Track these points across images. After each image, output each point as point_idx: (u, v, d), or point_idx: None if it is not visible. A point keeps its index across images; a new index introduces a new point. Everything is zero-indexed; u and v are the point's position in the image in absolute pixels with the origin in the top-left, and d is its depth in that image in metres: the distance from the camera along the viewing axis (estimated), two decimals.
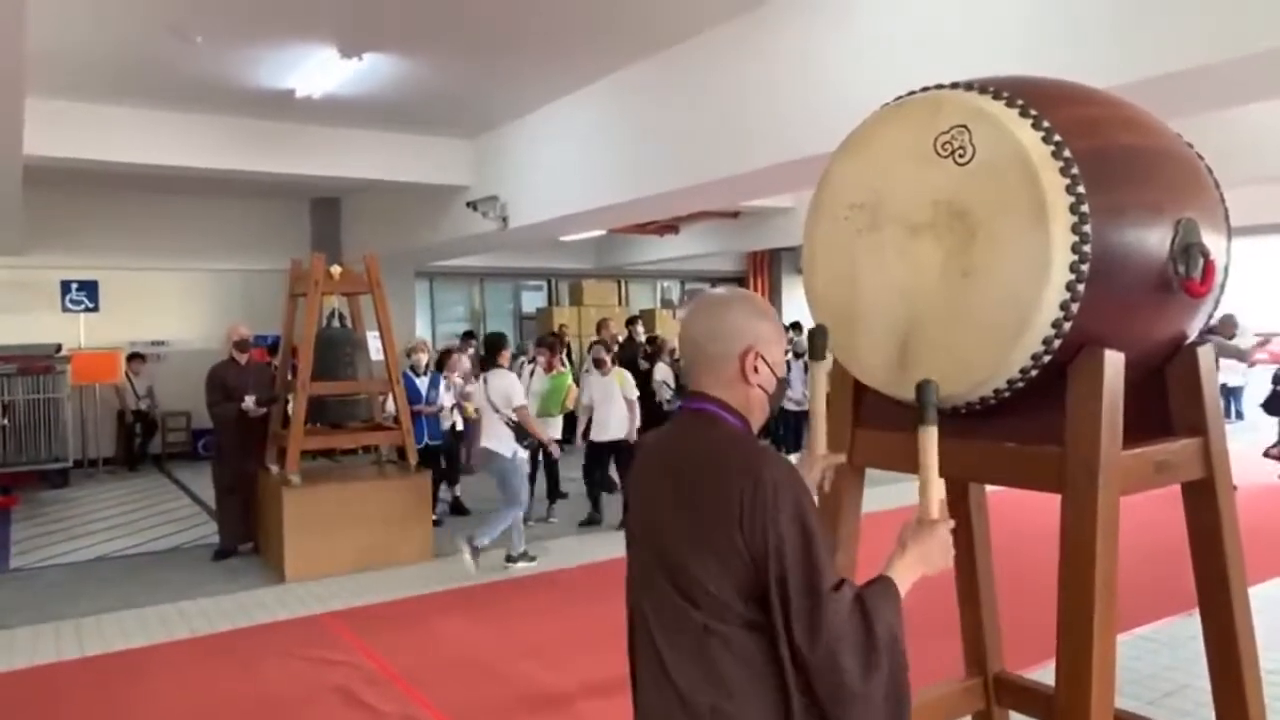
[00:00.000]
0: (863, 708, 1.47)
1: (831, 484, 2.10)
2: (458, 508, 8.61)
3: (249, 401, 6.93)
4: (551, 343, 8.86)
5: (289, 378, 7.15)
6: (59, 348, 10.97)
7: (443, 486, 8.50)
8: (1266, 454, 8.79)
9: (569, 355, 11.40)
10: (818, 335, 1.88)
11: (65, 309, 11.65)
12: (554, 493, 8.24)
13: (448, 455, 8.53)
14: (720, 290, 1.78)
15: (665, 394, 10.39)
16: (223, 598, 6.08)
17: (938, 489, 1.70)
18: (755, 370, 1.65)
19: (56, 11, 5.71)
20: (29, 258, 11.25)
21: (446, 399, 8.40)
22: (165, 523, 8.56)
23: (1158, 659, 4.56)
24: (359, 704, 4.33)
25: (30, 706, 4.43)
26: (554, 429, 8.17)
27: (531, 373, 8.28)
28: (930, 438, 1.70)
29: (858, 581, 1.58)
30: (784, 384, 1.74)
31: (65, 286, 11.68)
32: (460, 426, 8.58)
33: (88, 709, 4.41)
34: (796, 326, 11.81)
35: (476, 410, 7.76)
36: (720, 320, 1.67)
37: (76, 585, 6.47)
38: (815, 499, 2.06)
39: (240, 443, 7.07)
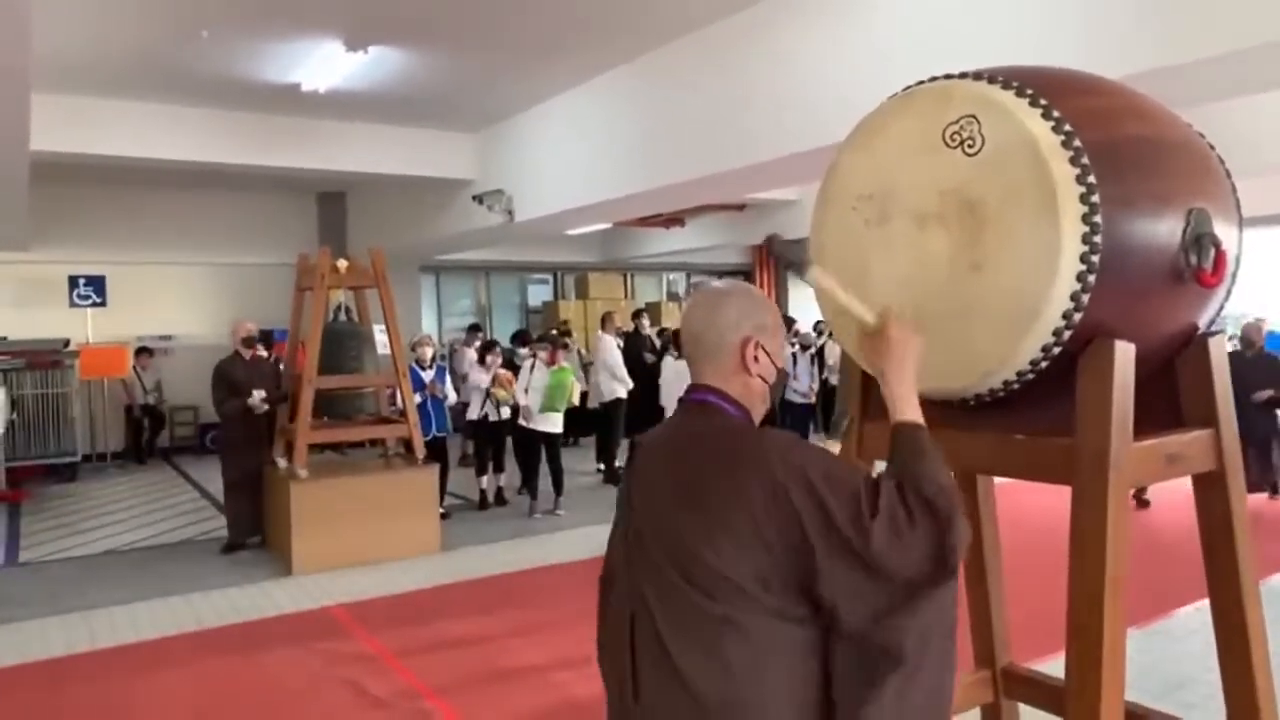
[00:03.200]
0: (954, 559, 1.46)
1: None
2: (500, 498, 8.65)
3: (256, 397, 6.94)
4: (553, 338, 8.85)
5: (294, 372, 7.17)
6: (67, 342, 11.01)
7: (485, 477, 8.62)
8: None
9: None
10: (786, 250, 1.89)
11: (73, 304, 11.68)
12: (559, 486, 8.25)
13: (495, 443, 8.55)
14: (719, 283, 1.76)
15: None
16: (231, 590, 6.11)
17: (856, 303, 1.73)
18: (755, 360, 1.65)
19: (63, 6, 5.72)
20: (37, 253, 11.29)
21: (451, 391, 8.44)
22: (173, 516, 8.59)
23: (1166, 651, 4.55)
24: (366, 696, 4.35)
25: (41, 698, 4.46)
26: (555, 424, 8.17)
27: (532, 367, 8.27)
28: (820, 275, 1.78)
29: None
30: (784, 374, 1.73)
31: (73, 282, 11.71)
32: (506, 415, 8.49)
33: (97, 701, 4.44)
34: (791, 320, 11.81)
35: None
36: (719, 312, 1.67)
37: (86, 578, 6.51)
38: None
39: (247, 437, 7.09)
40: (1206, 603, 2.21)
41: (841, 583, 1.47)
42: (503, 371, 8.46)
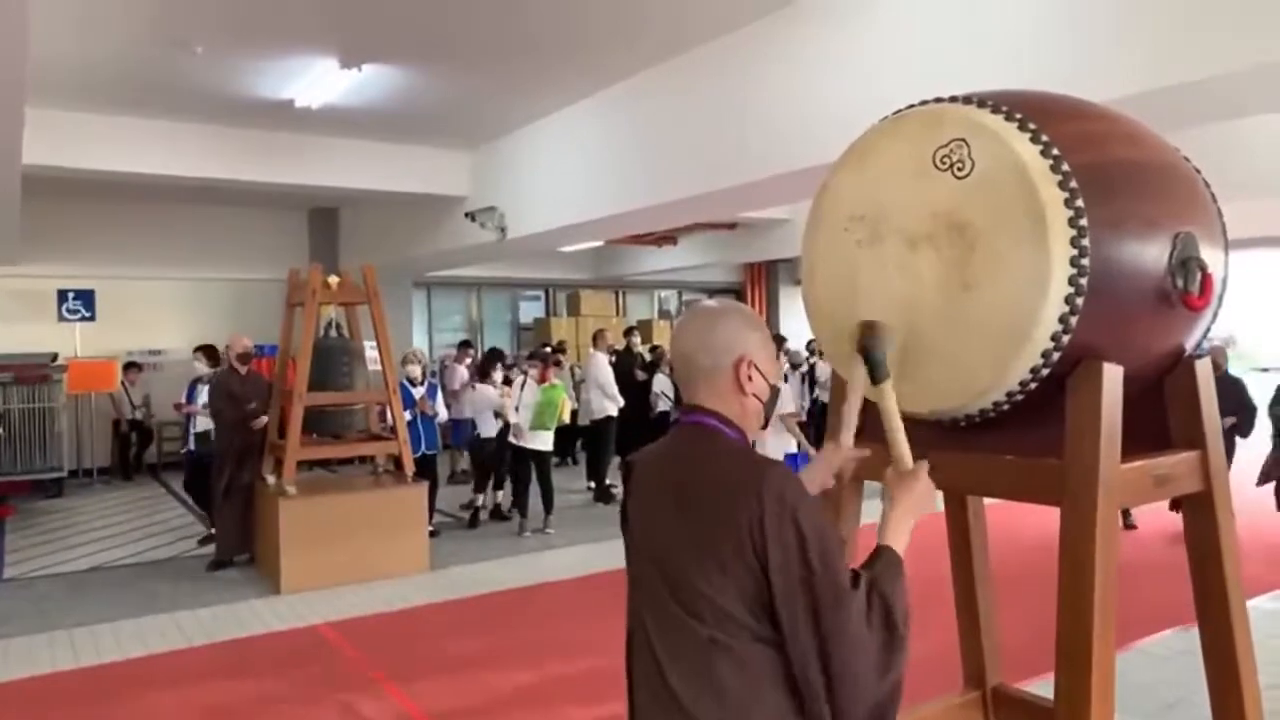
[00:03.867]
0: (874, 691, 1.51)
1: (848, 479, 2.14)
2: (497, 513, 8.66)
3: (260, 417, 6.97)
4: (544, 355, 8.84)
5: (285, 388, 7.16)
6: (55, 357, 10.93)
7: (483, 494, 8.67)
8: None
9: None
10: (876, 350, 1.84)
11: (62, 318, 11.62)
12: (549, 505, 8.21)
13: (496, 458, 8.57)
14: (709, 302, 1.77)
15: (664, 405, 10.40)
16: (218, 608, 6.05)
17: (904, 439, 1.79)
18: (749, 380, 1.65)
19: (57, 21, 5.73)
20: (26, 267, 11.23)
21: (442, 408, 8.41)
22: (161, 532, 8.52)
23: (1155, 672, 4.55)
24: (355, 715, 4.31)
25: (25, 717, 4.40)
26: (545, 442, 8.15)
27: (523, 384, 8.26)
28: (888, 393, 1.78)
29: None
30: (777, 392, 1.74)
31: (62, 295, 11.65)
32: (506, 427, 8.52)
33: (82, 719, 4.39)
34: (781, 339, 11.83)
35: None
36: (712, 332, 1.67)
37: (71, 595, 6.44)
38: (832, 486, 2.09)
39: (237, 453, 7.05)
40: (1195, 623, 2.22)
41: (794, 627, 1.50)
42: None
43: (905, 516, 1.70)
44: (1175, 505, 6.97)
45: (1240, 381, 7.53)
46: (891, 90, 2.76)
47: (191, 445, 7.84)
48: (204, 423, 7.56)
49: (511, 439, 8.19)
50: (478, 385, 8.57)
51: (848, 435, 1.99)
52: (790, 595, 1.48)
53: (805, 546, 1.47)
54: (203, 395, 7.61)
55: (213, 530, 7.68)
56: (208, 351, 7.98)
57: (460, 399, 9.59)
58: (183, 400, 8.30)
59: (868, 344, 1.76)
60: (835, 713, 1.51)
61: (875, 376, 1.76)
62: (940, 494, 1.77)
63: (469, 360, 11.29)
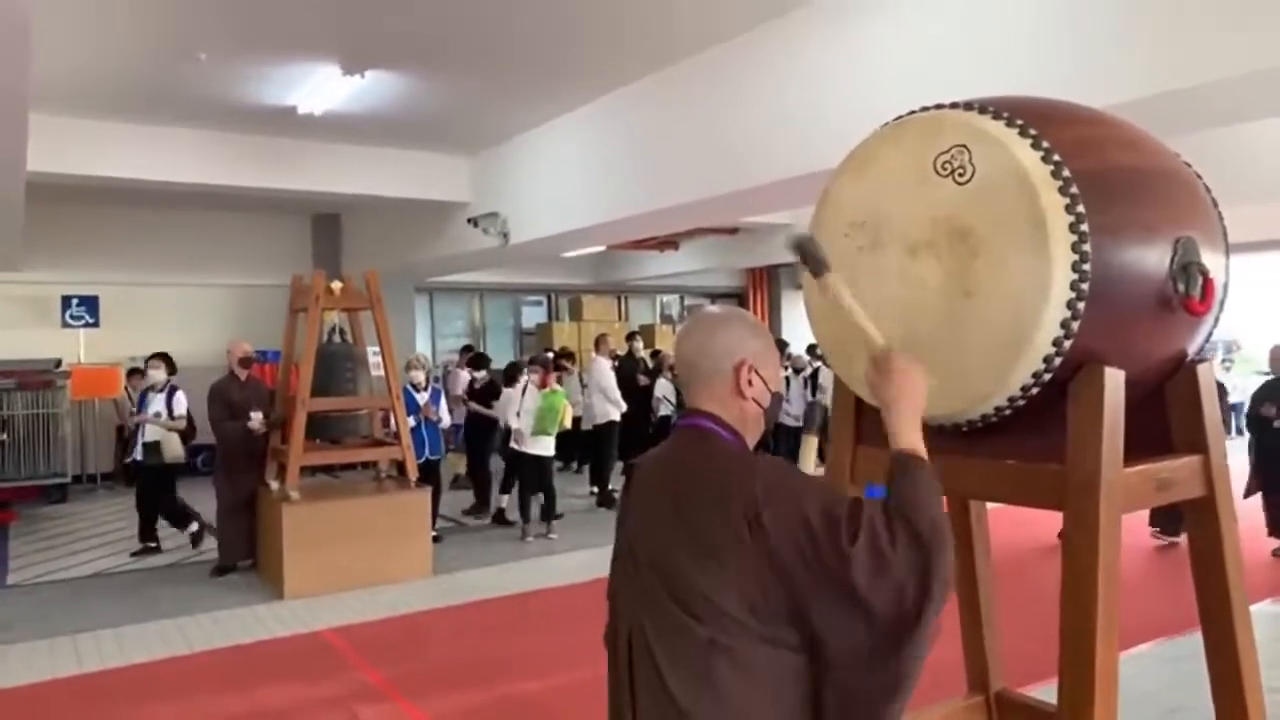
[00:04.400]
0: (936, 604, 1.43)
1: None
2: (500, 518, 8.75)
3: (256, 420, 6.94)
4: (545, 360, 8.87)
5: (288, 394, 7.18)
6: (59, 363, 10.96)
7: (498, 495, 8.85)
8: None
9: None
10: (810, 248, 1.75)
11: (65, 324, 11.65)
12: (550, 512, 8.22)
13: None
14: (713, 308, 1.78)
15: (666, 409, 10.40)
16: (221, 614, 6.06)
17: (870, 326, 1.71)
18: (750, 384, 1.66)
19: (61, 28, 5.75)
20: (30, 273, 11.28)
21: (446, 414, 8.43)
22: (164, 538, 8.51)
23: (1157, 677, 4.54)
24: None
25: None
26: (547, 447, 8.16)
27: (524, 390, 8.29)
28: (837, 284, 1.71)
29: None
30: (779, 398, 1.74)
31: (65, 301, 11.69)
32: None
33: None
34: (783, 344, 11.83)
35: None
36: (713, 337, 1.68)
37: (74, 601, 6.45)
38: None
39: (243, 459, 7.06)
40: (1199, 628, 2.22)
41: (830, 616, 1.46)
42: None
43: (903, 412, 1.61)
44: (1154, 520, 7.08)
45: (1221, 385, 7.64)
46: (889, 97, 2.77)
47: (139, 455, 7.63)
48: (153, 432, 7.50)
49: (513, 444, 8.20)
50: (505, 390, 8.77)
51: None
52: (818, 582, 1.45)
53: (810, 531, 1.45)
54: (155, 403, 7.58)
55: (150, 544, 7.70)
56: (165, 359, 7.85)
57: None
58: (133, 409, 7.99)
59: (801, 242, 1.69)
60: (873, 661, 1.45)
61: (816, 271, 1.70)
62: (924, 373, 1.64)
63: (466, 368, 11.33)
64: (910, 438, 1.59)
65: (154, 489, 7.72)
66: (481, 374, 9.60)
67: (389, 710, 4.45)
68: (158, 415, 7.54)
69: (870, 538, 1.43)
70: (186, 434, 7.66)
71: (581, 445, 11.06)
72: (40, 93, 6.89)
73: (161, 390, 7.65)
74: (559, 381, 8.82)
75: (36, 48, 4.93)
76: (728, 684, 1.51)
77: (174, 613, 6.06)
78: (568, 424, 8.15)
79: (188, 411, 7.66)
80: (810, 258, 1.71)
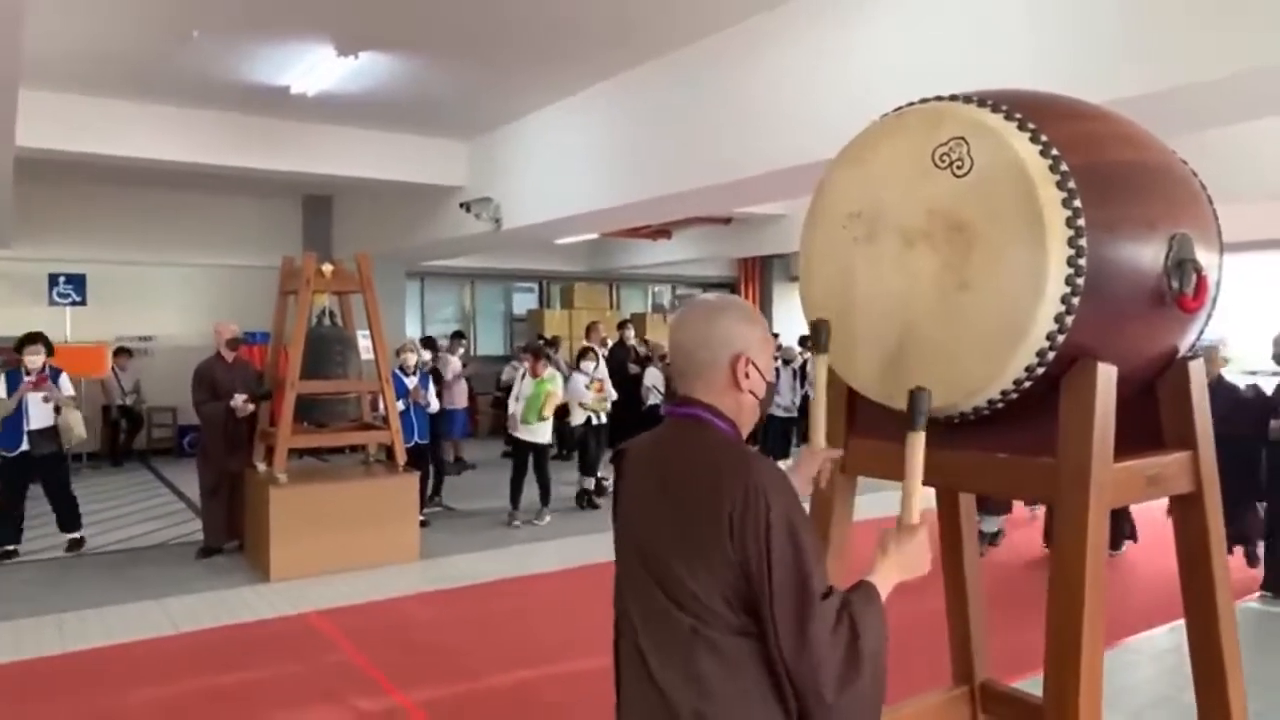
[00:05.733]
0: (838, 717, 1.50)
1: (827, 484, 2.13)
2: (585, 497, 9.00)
3: (238, 400, 6.89)
4: (536, 348, 8.86)
5: (277, 375, 7.14)
6: None
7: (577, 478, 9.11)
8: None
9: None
10: (820, 329, 1.88)
11: (52, 302, 11.55)
12: (545, 497, 8.24)
13: (582, 446, 9.10)
14: (710, 296, 1.76)
15: (655, 398, 10.40)
16: (207, 595, 6.04)
17: (921, 496, 1.73)
18: (746, 376, 1.66)
19: (52, 3, 5.68)
20: (16, 250, 11.17)
21: (434, 399, 8.43)
22: (149, 519, 8.50)
23: (1141, 670, 4.58)
24: (343, 704, 4.31)
25: (11, 702, 4.39)
26: (541, 434, 8.17)
27: (522, 376, 8.33)
28: (918, 444, 1.72)
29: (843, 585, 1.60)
30: (773, 388, 1.75)
31: (53, 279, 11.58)
32: (595, 421, 9.02)
33: (69, 704, 4.37)
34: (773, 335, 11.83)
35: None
36: (711, 327, 1.67)
37: (59, 580, 6.42)
38: (812, 491, 2.10)
39: (226, 440, 7.03)
40: (1183, 622, 2.24)
41: (765, 614, 1.50)
42: (601, 379, 9.01)
43: (895, 570, 1.67)
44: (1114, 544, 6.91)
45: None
46: (885, 89, 2.77)
47: (25, 445, 6.82)
48: (43, 417, 6.84)
49: (510, 430, 8.26)
50: (573, 374, 9.10)
51: (818, 437, 2.02)
52: (761, 590, 1.48)
53: (772, 543, 1.47)
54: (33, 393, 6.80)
55: (11, 547, 6.97)
56: (42, 340, 7.01)
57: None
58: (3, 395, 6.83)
59: (916, 394, 1.72)
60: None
61: (913, 426, 1.72)
62: (931, 557, 1.71)
63: (461, 350, 11.31)
64: (887, 581, 1.65)
65: (44, 481, 7.06)
66: (428, 356, 9.33)
67: (374, 693, 4.45)
68: (46, 399, 6.86)
69: (828, 618, 1.49)
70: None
71: (571, 433, 11.04)
72: (31, 69, 6.82)
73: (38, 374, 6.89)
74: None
75: (28, 23, 4.87)
76: (706, 671, 1.52)
77: (158, 593, 6.04)
78: (546, 414, 8.10)
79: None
80: (918, 412, 1.72)
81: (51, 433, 7.00)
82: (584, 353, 9.26)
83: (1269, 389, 5.91)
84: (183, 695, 4.47)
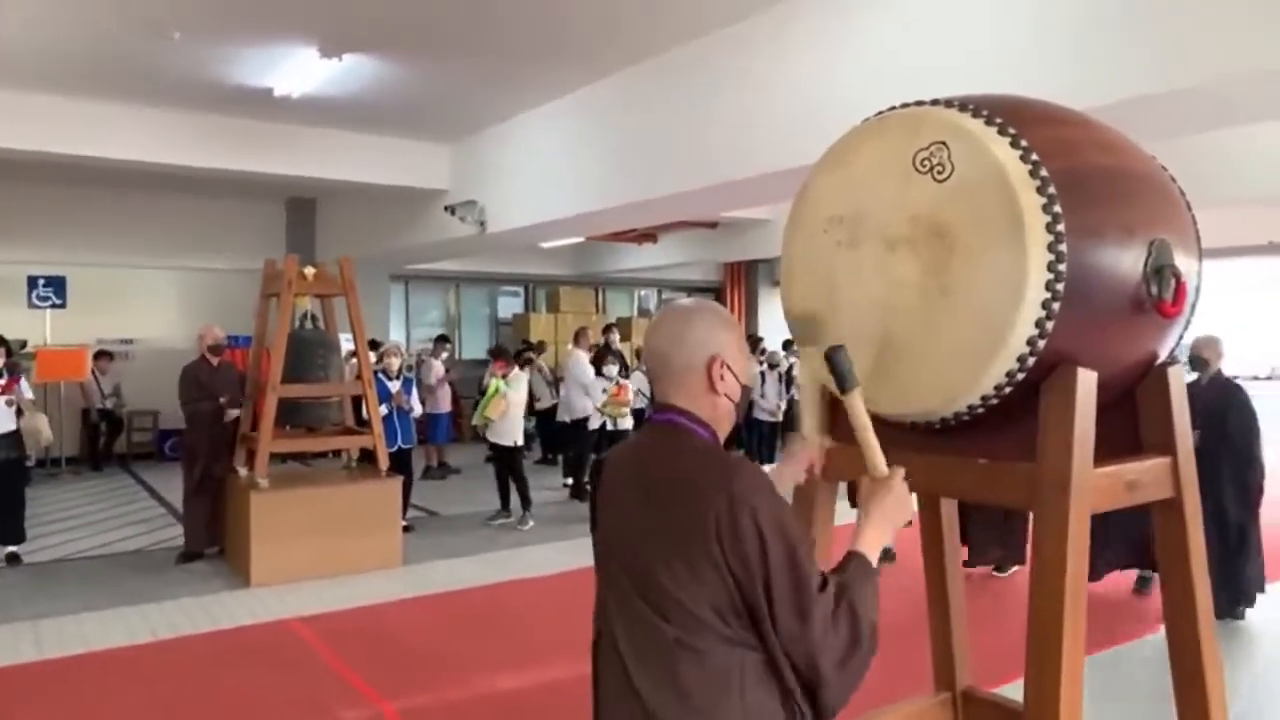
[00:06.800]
0: (836, 691, 1.53)
1: (808, 485, 2.14)
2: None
3: (229, 407, 6.86)
4: (499, 351, 8.86)
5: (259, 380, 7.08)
6: (24, 344, 10.75)
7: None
8: None
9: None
10: (840, 360, 1.76)
11: (32, 305, 11.43)
12: (526, 501, 8.21)
13: (596, 449, 9.17)
14: (685, 301, 1.76)
15: (640, 402, 10.39)
16: (187, 601, 5.98)
17: (877, 447, 1.75)
18: (721, 379, 1.65)
19: (28, 1, 5.63)
20: None
21: (417, 403, 8.40)
22: (129, 524, 8.41)
23: (1122, 676, 4.60)
24: (323, 711, 4.27)
25: None
26: (507, 436, 8.15)
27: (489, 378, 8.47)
28: (855, 402, 1.74)
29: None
30: (748, 391, 1.74)
31: (32, 282, 11.46)
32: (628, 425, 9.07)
33: (45, 712, 4.31)
34: (757, 339, 11.91)
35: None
36: (685, 331, 1.67)
37: (36, 587, 6.34)
38: (805, 480, 2.11)
39: (212, 442, 6.97)
40: (1163, 628, 2.24)
41: (760, 619, 1.51)
42: (625, 383, 9.08)
43: (880, 525, 1.69)
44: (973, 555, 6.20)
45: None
46: (872, 93, 2.76)
47: None
48: (6, 421, 6.61)
49: (485, 435, 8.29)
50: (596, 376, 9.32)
51: (809, 423, 2.01)
52: (754, 595, 1.48)
53: (766, 547, 1.47)
54: None
55: None
56: (2, 342, 6.86)
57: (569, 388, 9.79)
58: None
59: (833, 354, 1.74)
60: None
61: (843, 386, 1.74)
62: (913, 504, 1.75)
63: (445, 355, 11.26)
64: (875, 548, 1.66)
65: (3, 489, 6.78)
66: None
67: (356, 700, 4.41)
68: (10, 403, 6.69)
69: (825, 607, 1.50)
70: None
71: (557, 438, 11.02)
72: (8, 68, 6.77)
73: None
74: (523, 370, 8.89)
75: (5, 21, 4.84)
76: (692, 683, 1.51)
77: (138, 599, 5.97)
78: (491, 415, 8.05)
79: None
80: (842, 372, 1.74)
81: (14, 438, 6.80)
82: (603, 355, 9.27)
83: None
84: (161, 703, 4.41)
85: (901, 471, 1.74)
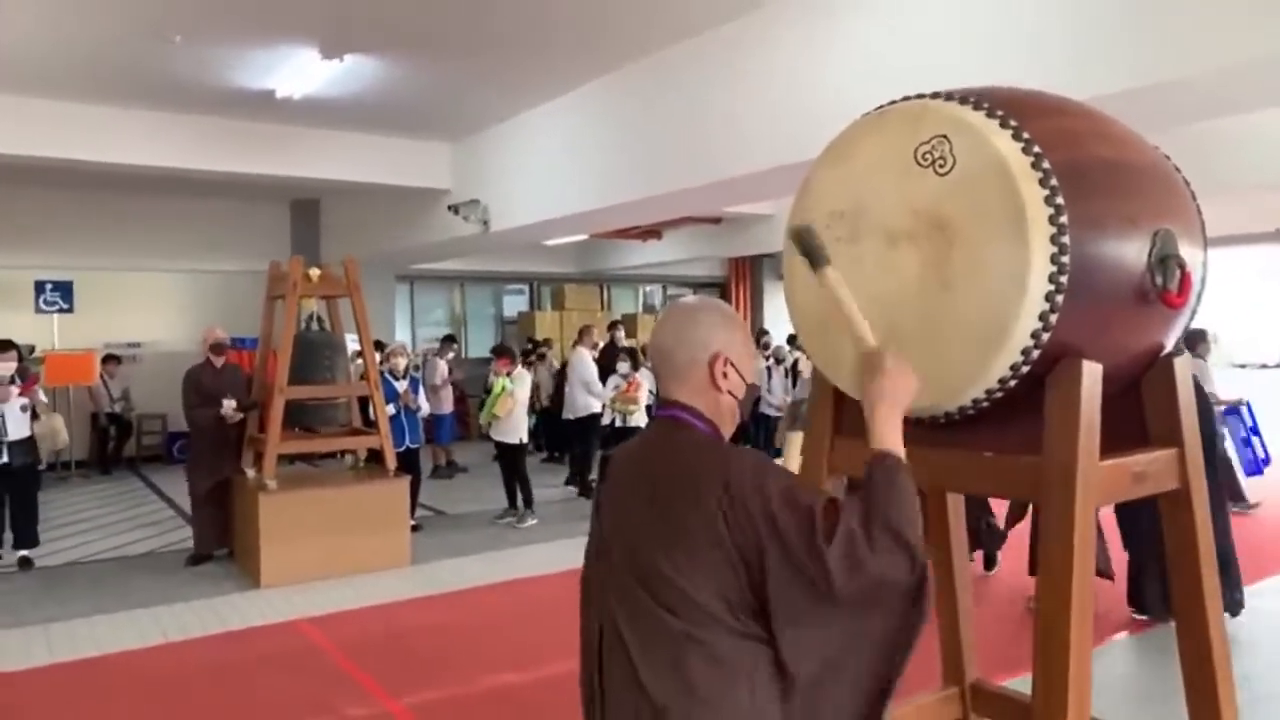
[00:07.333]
0: (914, 622, 1.52)
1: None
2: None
3: (228, 406, 6.85)
4: (502, 349, 8.86)
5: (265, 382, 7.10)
6: (32, 349, 10.81)
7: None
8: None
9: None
10: (808, 238, 1.74)
11: (39, 310, 11.49)
12: (528, 499, 8.23)
13: (604, 445, 9.12)
14: (689, 298, 1.76)
15: (646, 399, 10.39)
16: (197, 603, 6.01)
17: (861, 320, 1.72)
18: (724, 376, 1.66)
19: (31, 6, 5.64)
20: (2, 257, 11.11)
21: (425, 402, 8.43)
22: (139, 527, 8.45)
23: (1130, 666, 4.59)
24: (334, 711, 4.29)
25: None
26: (511, 434, 8.17)
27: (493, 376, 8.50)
28: (831, 280, 1.73)
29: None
30: (754, 389, 1.74)
31: (39, 287, 11.52)
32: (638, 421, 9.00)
33: (58, 715, 4.34)
34: (763, 333, 11.89)
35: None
36: (688, 328, 1.68)
37: (47, 590, 6.37)
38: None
39: (216, 447, 6.99)
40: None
41: (787, 607, 1.47)
42: (637, 377, 9.07)
43: (887, 410, 1.61)
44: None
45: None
46: (872, 87, 2.76)
47: (4, 457, 6.59)
48: (20, 427, 6.61)
49: (489, 433, 8.31)
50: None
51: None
52: (773, 574, 1.46)
53: (775, 520, 1.45)
54: (12, 401, 6.56)
55: None
56: (13, 346, 6.79)
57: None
58: None
59: (802, 233, 1.70)
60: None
61: (814, 263, 1.70)
62: (913, 374, 1.65)
63: (451, 355, 11.27)
64: (891, 438, 1.59)
65: (14, 493, 6.81)
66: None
67: (366, 700, 4.42)
68: (25, 408, 6.69)
69: (847, 540, 1.43)
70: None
71: (563, 435, 11.04)
72: (12, 73, 6.79)
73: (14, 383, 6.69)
74: (532, 368, 8.90)
75: (8, 27, 4.85)
76: (700, 677, 1.50)
77: (148, 602, 6.01)
78: (498, 413, 8.07)
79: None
80: (810, 249, 1.70)
81: (29, 443, 6.84)
82: (613, 353, 9.30)
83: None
84: (174, 704, 4.43)
85: (891, 351, 1.67)
